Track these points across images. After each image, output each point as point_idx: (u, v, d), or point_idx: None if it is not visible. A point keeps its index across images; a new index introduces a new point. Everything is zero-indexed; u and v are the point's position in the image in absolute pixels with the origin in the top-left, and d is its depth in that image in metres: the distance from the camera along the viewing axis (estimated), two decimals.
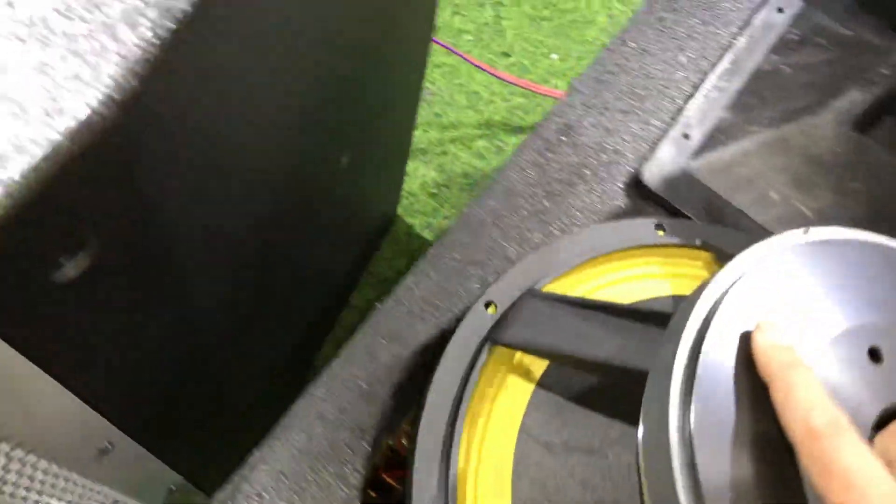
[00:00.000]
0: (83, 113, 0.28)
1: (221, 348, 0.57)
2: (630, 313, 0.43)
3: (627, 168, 0.57)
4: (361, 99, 0.60)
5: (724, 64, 0.59)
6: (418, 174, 0.95)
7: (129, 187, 0.34)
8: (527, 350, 0.45)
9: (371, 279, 0.90)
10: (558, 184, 0.56)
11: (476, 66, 0.87)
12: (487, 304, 0.47)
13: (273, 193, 0.52)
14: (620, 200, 0.56)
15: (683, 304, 0.35)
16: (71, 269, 0.32)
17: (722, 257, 0.48)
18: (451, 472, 0.42)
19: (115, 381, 0.44)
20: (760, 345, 0.32)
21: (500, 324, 0.46)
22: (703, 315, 0.33)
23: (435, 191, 0.94)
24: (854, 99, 0.53)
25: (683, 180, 0.55)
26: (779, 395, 0.30)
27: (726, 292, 0.33)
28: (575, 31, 1.06)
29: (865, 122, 0.52)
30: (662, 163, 0.56)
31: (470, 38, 1.04)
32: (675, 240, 0.50)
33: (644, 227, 0.51)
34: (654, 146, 0.57)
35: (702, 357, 0.31)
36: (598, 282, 0.49)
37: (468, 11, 1.05)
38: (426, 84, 1.00)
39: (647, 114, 0.58)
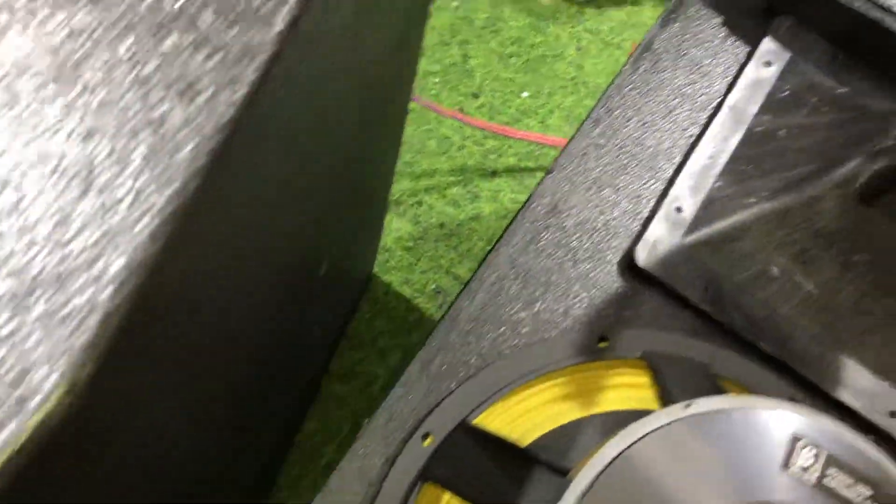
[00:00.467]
0: None
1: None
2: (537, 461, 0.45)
3: (620, 248, 0.54)
4: (345, 205, 0.56)
5: (715, 127, 0.57)
6: (392, 228, 0.92)
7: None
8: (451, 491, 0.44)
9: (349, 343, 0.86)
10: (547, 272, 0.53)
11: (442, 114, 0.84)
12: (425, 436, 0.45)
13: (251, 337, 0.49)
14: (615, 284, 0.53)
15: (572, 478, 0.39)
16: None
17: (664, 367, 0.47)
18: None
19: None
20: None
21: (435, 457, 0.45)
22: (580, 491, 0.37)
23: (411, 244, 0.91)
24: (856, 169, 0.51)
25: (678, 258, 0.53)
26: None
27: (604, 470, 0.38)
28: (544, 67, 1.03)
29: (870, 193, 0.50)
30: (655, 240, 0.53)
31: (437, 80, 1.00)
32: (618, 352, 0.49)
33: (586, 339, 0.49)
34: (646, 222, 0.54)
35: None
36: (534, 403, 0.48)
37: (434, 52, 1.02)
38: None
39: (636, 187, 0.56)
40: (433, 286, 0.89)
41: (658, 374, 0.47)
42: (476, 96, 1.01)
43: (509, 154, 0.97)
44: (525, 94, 1.02)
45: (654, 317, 0.52)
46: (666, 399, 0.47)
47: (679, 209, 0.54)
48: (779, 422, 0.39)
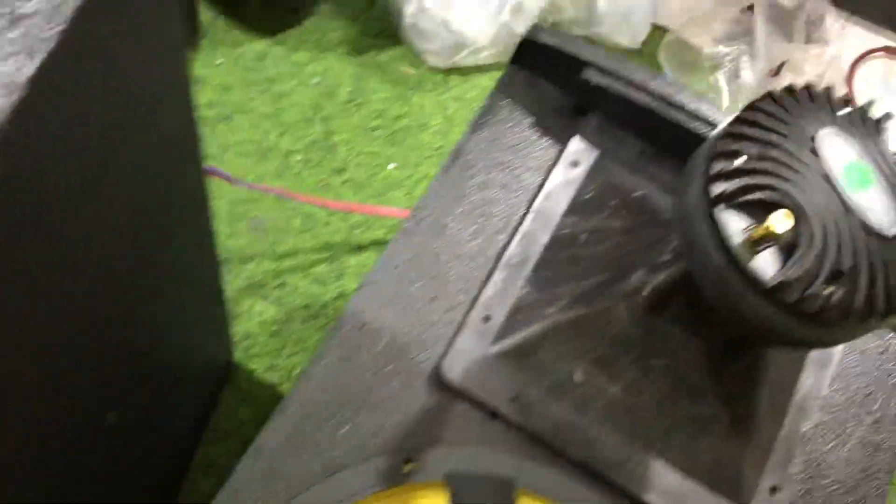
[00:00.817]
0: None
1: None
2: None
3: (431, 362, 0.54)
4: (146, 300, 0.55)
5: (522, 232, 0.58)
6: (255, 312, 0.91)
7: None
8: None
9: (214, 435, 0.85)
10: (358, 393, 0.53)
11: (295, 199, 0.84)
12: None
13: None
14: (426, 400, 0.53)
15: None
16: None
17: (463, 489, 0.48)
18: None
19: None
20: None
21: None
22: None
23: (275, 328, 0.90)
24: (640, 280, 0.52)
25: (486, 369, 0.53)
26: None
27: None
28: (410, 138, 1.04)
29: (653, 304, 0.52)
30: (464, 352, 0.54)
31: (299, 157, 1.00)
32: (423, 474, 0.49)
33: (392, 463, 0.49)
34: (455, 334, 0.55)
35: None
36: None
37: (296, 130, 1.02)
38: (257, 214, 0.96)
39: (448, 298, 0.56)
40: (300, 370, 0.88)
41: (455, 497, 0.48)
42: (341, 172, 1.01)
43: (376, 227, 0.98)
44: (392, 166, 1.02)
45: (464, 431, 0.52)
46: None
47: (487, 318, 0.55)
48: None
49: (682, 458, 0.53)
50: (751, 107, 0.40)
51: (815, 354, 0.58)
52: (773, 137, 0.39)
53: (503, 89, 0.64)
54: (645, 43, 1.26)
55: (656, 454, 0.53)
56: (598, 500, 0.51)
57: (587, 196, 0.59)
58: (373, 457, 0.51)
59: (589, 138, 0.62)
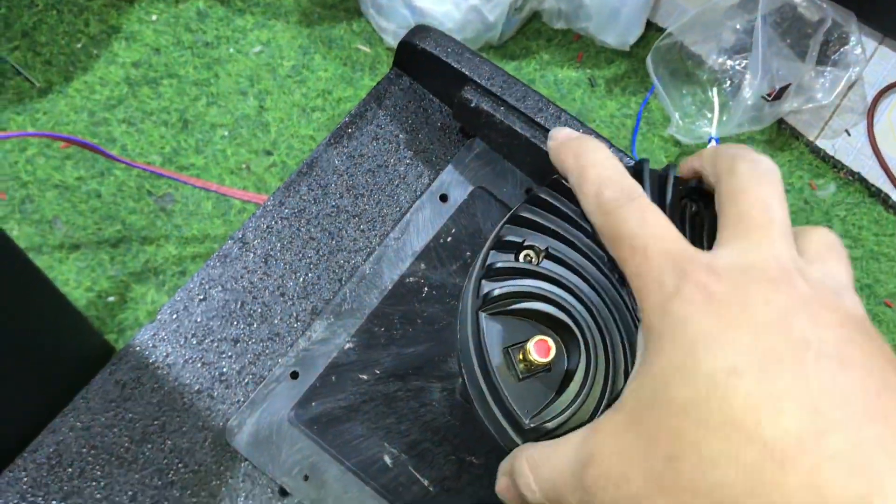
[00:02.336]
0: None
1: None
2: None
3: (218, 419, 0.46)
4: None
5: (362, 273, 0.49)
6: (147, 300, 0.83)
7: None
8: None
9: None
10: (127, 445, 0.44)
11: (202, 187, 0.76)
12: None
13: None
14: (204, 463, 0.45)
15: None
16: None
17: None
18: None
19: None
20: (553, 145, 0.32)
21: None
22: None
23: None
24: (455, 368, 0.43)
25: (281, 436, 0.45)
26: (574, 180, 0.30)
27: None
28: None
29: (468, 399, 0.42)
30: (259, 411, 0.45)
31: (225, 133, 0.91)
32: None
33: None
34: (256, 387, 0.46)
35: None
36: None
37: (226, 101, 0.93)
38: (169, 191, 0.88)
39: (256, 343, 0.48)
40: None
41: None
42: (269, 154, 0.92)
43: None
44: None
45: None
46: None
47: (295, 374, 0.46)
48: None
49: None
50: (554, 183, 0.30)
51: None
52: (567, 229, 0.29)
53: (378, 97, 0.54)
54: (637, 45, 1.13)
55: None
56: None
57: (446, 239, 0.50)
58: None
59: (466, 168, 0.52)
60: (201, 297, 0.48)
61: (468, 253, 0.49)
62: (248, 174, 0.90)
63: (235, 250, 0.49)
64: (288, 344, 0.47)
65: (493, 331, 0.29)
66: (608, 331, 0.28)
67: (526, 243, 0.29)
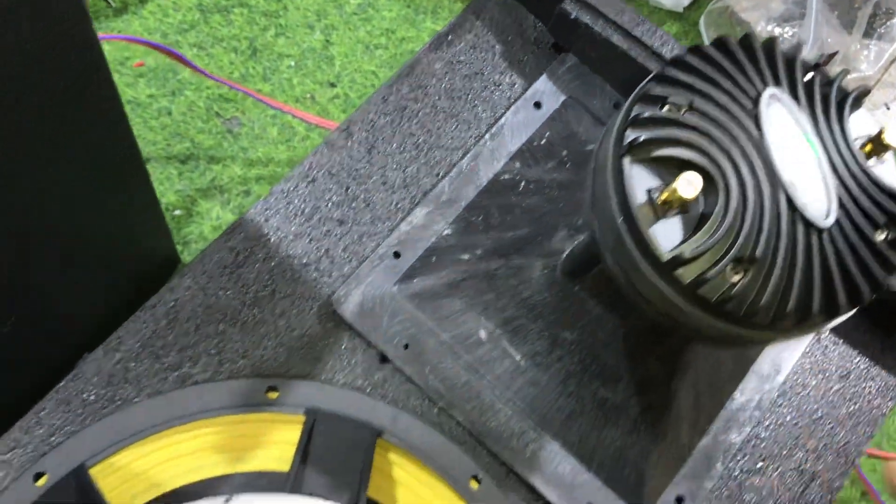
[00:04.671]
0: None
1: None
2: None
3: (327, 291, 0.49)
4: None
5: (459, 169, 0.52)
6: (212, 216, 0.86)
7: None
8: None
9: None
10: (234, 309, 0.48)
11: (271, 106, 0.79)
12: (38, 476, 0.41)
13: None
14: (310, 329, 0.48)
15: None
16: None
17: (321, 428, 0.44)
18: None
19: None
20: None
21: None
22: None
23: None
24: (561, 241, 0.46)
25: (384, 308, 0.48)
26: None
27: None
28: None
29: (571, 270, 0.45)
30: (363, 285, 0.48)
31: (292, 63, 0.94)
32: (285, 405, 0.45)
33: (254, 388, 0.45)
34: (360, 264, 0.49)
35: None
36: (178, 451, 0.43)
37: (294, 33, 0.96)
38: (236, 114, 0.91)
39: (359, 225, 0.51)
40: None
41: (309, 434, 0.43)
42: (333, 86, 0.95)
43: None
44: None
45: (346, 371, 0.47)
46: (300, 463, 0.42)
47: (397, 254, 0.49)
48: None
49: (580, 446, 0.47)
50: (694, 50, 0.33)
51: (763, 364, 0.52)
52: (709, 88, 0.32)
53: (476, 9, 0.57)
54: (690, 7, 1.16)
55: (552, 436, 0.47)
56: (472, 468, 0.46)
57: (539, 142, 0.53)
58: (236, 377, 0.46)
59: (559, 80, 0.55)
60: (310, 179, 0.51)
61: (564, 153, 0.52)
62: (313, 104, 0.93)
63: (341, 140, 0.52)
64: (389, 228, 0.51)
65: (634, 175, 0.32)
66: (744, 178, 0.31)
67: (669, 99, 0.32)
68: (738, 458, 0.51)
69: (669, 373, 0.48)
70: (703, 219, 0.31)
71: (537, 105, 0.54)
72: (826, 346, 0.55)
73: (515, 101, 0.54)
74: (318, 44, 0.96)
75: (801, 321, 0.31)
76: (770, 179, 0.31)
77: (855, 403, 0.53)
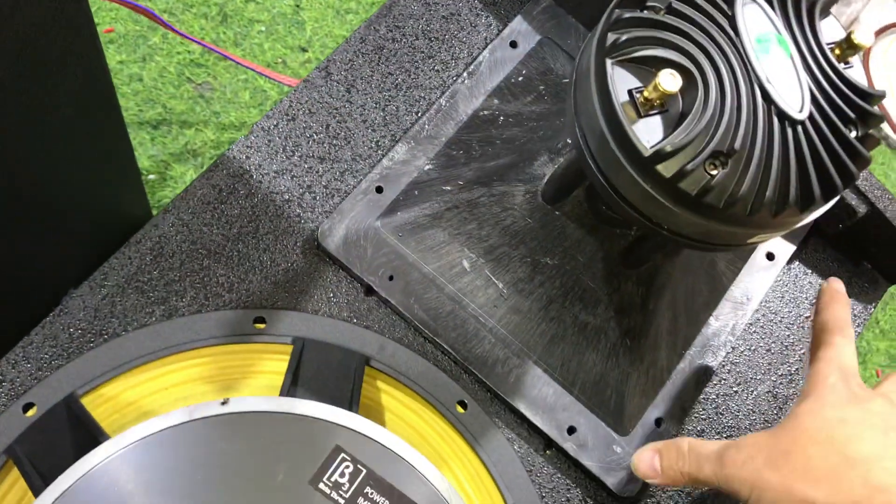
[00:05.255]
0: None
1: None
2: None
3: (308, 223, 0.49)
4: None
5: (438, 106, 0.52)
6: (186, 180, 0.86)
7: None
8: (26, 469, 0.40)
9: None
10: (218, 242, 0.48)
11: (246, 66, 0.79)
12: (27, 407, 0.41)
13: None
14: (294, 262, 0.48)
15: None
16: None
17: (308, 356, 0.45)
18: None
19: None
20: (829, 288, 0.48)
21: (28, 432, 0.40)
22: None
23: None
24: (541, 167, 0.47)
25: (368, 240, 0.49)
26: (830, 324, 0.45)
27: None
28: None
29: (553, 193, 0.46)
30: (347, 219, 0.49)
31: (262, 28, 0.94)
32: (272, 335, 0.46)
33: (241, 318, 0.46)
34: (343, 199, 0.50)
35: None
36: (167, 382, 0.44)
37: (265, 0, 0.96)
38: (207, 79, 0.91)
39: (341, 162, 0.51)
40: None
41: (298, 360, 0.43)
42: (304, 50, 0.95)
43: None
44: None
45: (332, 303, 0.48)
46: (290, 385, 0.43)
47: (380, 189, 0.50)
48: (323, 432, 0.36)
49: (562, 370, 0.49)
50: None
51: (736, 290, 0.54)
52: None
53: None
54: None
55: (534, 361, 0.48)
56: (459, 393, 0.47)
57: (517, 79, 0.54)
58: (221, 309, 0.46)
59: (535, 20, 0.56)
60: (290, 117, 0.51)
61: (541, 87, 0.53)
62: (284, 68, 0.93)
63: (320, 80, 0.53)
64: (371, 165, 0.51)
65: (616, 75, 0.33)
66: (722, 75, 0.32)
67: (648, 3, 0.33)
68: (715, 382, 0.52)
69: (646, 296, 0.49)
70: (682, 117, 0.32)
71: (513, 44, 0.55)
72: (796, 276, 0.57)
73: (492, 41, 0.55)
74: (289, 9, 0.97)
75: (778, 212, 0.32)
76: (747, 76, 0.32)
77: None
